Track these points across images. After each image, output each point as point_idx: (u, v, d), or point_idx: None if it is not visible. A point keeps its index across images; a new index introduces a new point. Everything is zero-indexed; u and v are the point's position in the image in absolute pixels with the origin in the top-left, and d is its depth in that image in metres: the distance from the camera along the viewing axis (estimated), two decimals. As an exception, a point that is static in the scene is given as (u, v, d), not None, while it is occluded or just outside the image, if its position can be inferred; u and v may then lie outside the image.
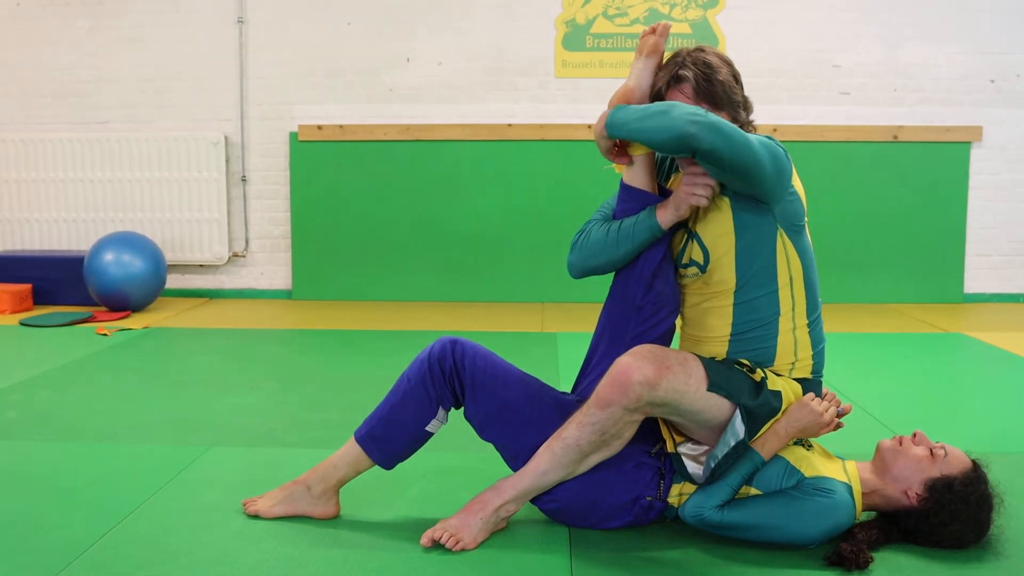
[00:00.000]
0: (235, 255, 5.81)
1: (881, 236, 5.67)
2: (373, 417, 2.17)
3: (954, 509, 2.00)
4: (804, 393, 2.12)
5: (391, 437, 2.14)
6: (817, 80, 5.61)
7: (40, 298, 5.39)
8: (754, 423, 2.02)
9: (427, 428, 2.14)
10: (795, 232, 2.14)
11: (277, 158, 5.75)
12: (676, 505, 2.10)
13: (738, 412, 2.00)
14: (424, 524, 2.15)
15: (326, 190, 5.67)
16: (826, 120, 5.62)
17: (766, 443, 2.03)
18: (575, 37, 5.63)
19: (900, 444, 2.08)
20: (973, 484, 2.02)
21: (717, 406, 2.00)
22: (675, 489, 2.10)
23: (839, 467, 2.10)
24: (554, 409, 2.14)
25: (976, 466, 2.06)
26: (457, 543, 2.03)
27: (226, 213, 5.71)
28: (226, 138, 5.68)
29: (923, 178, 5.64)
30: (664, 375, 1.93)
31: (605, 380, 1.97)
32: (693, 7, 5.59)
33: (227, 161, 5.70)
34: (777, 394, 2.07)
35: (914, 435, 2.11)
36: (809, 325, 2.17)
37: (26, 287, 5.25)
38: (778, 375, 2.12)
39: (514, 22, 5.64)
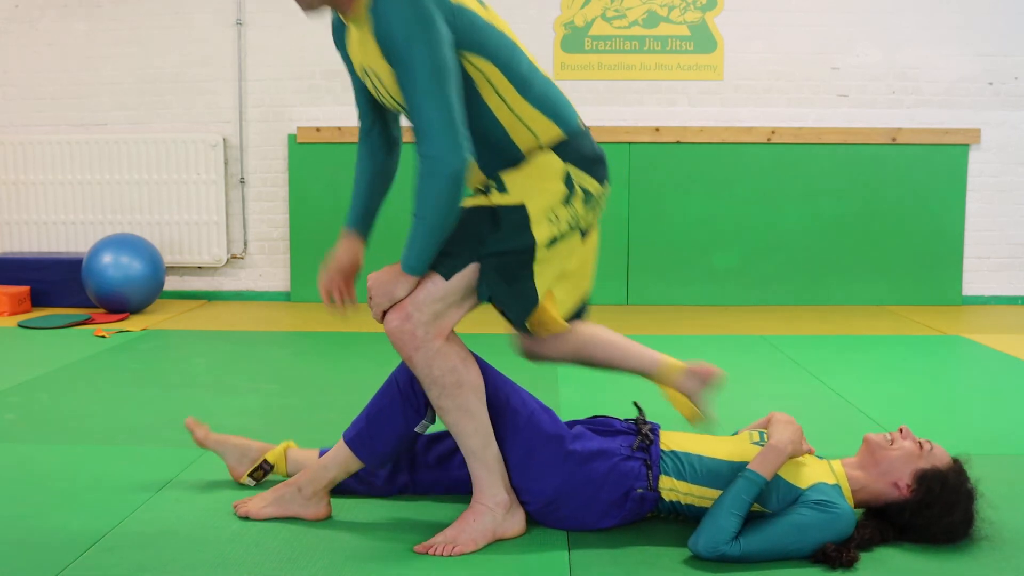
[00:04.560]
0: (233, 257, 5.81)
1: (879, 238, 5.67)
2: (361, 419, 2.17)
3: (948, 500, 2.02)
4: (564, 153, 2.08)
5: (379, 438, 2.14)
6: (816, 82, 5.62)
7: (38, 300, 5.39)
8: (510, 268, 2.02)
9: (415, 429, 2.15)
10: (473, 42, 2.01)
11: (276, 160, 5.75)
12: (668, 499, 2.11)
13: (480, 271, 2.00)
14: (419, 525, 2.16)
15: (324, 192, 5.67)
16: (824, 122, 5.63)
17: (767, 463, 2.02)
18: (574, 39, 5.64)
19: (891, 443, 2.11)
20: (962, 476, 2.06)
21: (465, 276, 2.01)
22: (666, 482, 2.10)
23: (826, 468, 2.11)
24: (540, 410, 2.16)
25: (958, 461, 2.10)
26: (454, 547, 2.03)
27: (224, 215, 5.71)
28: (225, 140, 5.69)
29: (921, 180, 5.64)
30: (413, 307, 1.98)
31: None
32: (692, 9, 5.59)
33: (226, 163, 5.70)
34: (521, 218, 2.01)
35: (900, 430, 2.13)
36: (527, 99, 2.07)
37: (24, 289, 5.25)
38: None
39: (512, 24, 5.59)
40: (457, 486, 2.35)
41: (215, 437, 2.44)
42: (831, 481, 2.06)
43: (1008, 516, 2.18)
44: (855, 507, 2.10)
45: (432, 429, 2.22)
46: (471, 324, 4.89)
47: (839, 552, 1.94)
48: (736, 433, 2.27)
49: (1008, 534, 2.10)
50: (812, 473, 2.06)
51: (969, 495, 2.05)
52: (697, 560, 1.99)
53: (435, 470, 2.35)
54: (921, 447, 2.09)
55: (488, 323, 5.01)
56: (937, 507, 2.02)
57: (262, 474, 2.39)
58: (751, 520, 2.03)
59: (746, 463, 2.06)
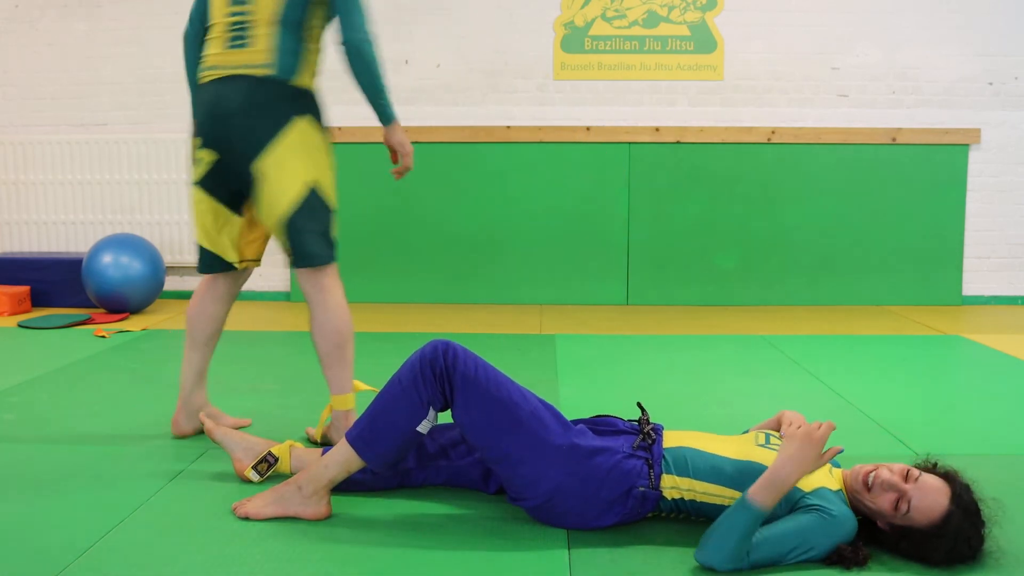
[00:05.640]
0: (234, 257, 5.81)
1: (879, 238, 5.68)
2: (364, 418, 2.18)
3: (923, 549, 1.96)
4: None
5: (382, 437, 2.15)
6: (816, 82, 5.62)
7: (38, 300, 5.39)
8: None
9: (417, 428, 2.15)
10: None
11: (276, 160, 5.74)
12: (670, 498, 2.11)
13: None
14: (419, 524, 2.16)
15: (325, 192, 5.66)
16: (824, 123, 5.63)
17: (768, 494, 1.93)
18: (574, 39, 5.64)
19: (868, 490, 2.01)
20: (940, 532, 1.94)
21: None
22: (668, 480, 2.11)
23: (827, 471, 2.10)
24: (543, 406, 2.16)
25: (950, 511, 1.94)
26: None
27: (225, 215, 5.71)
28: (225, 140, 5.68)
29: (921, 180, 5.65)
30: None
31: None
32: (692, 9, 5.59)
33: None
34: None
35: (880, 474, 2.00)
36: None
37: (24, 289, 5.25)
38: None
39: (513, 24, 5.64)
40: (460, 475, 2.36)
41: (223, 430, 2.47)
42: (834, 486, 2.05)
43: (1011, 517, 2.18)
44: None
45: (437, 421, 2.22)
46: (472, 324, 4.90)
47: (855, 552, 1.94)
48: (745, 432, 2.27)
49: (1012, 535, 2.09)
50: (816, 476, 2.05)
51: (953, 542, 1.93)
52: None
53: (439, 458, 2.38)
54: (897, 509, 1.96)
55: (488, 324, 5.02)
56: (919, 550, 1.97)
57: (266, 467, 2.40)
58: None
59: (749, 463, 2.07)
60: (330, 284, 2.65)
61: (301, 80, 2.58)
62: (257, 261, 2.84)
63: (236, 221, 2.73)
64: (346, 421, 2.70)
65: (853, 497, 2.06)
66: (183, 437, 2.85)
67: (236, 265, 2.76)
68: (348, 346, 2.67)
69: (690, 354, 4.23)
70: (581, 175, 5.66)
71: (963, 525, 1.94)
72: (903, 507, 1.96)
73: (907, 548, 1.98)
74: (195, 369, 2.87)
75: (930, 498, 1.96)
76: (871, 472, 2.02)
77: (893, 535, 2.00)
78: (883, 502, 1.99)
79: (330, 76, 5.66)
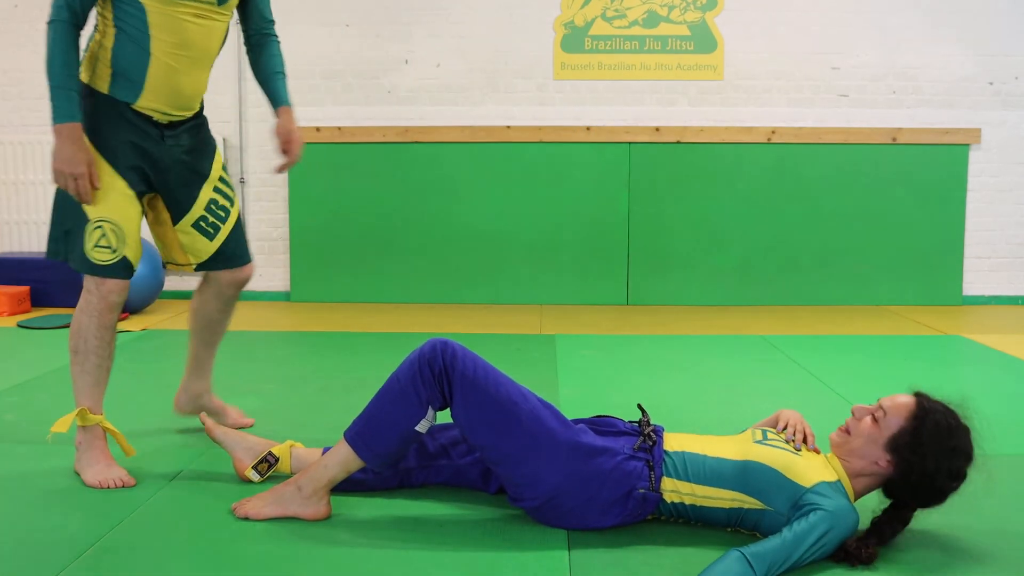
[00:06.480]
0: (233, 257, 5.81)
1: (880, 238, 5.68)
2: (362, 417, 2.18)
3: (931, 451, 2.01)
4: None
5: (380, 436, 2.15)
6: (816, 82, 5.62)
7: (38, 300, 5.39)
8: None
9: (416, 428, 2.15)
10: None
11: (275, 160, 5.75)
12: (670, 501, 2.11)
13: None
14: (419, 524, 2.16)
15: (324, 192, 5.67)
16: (825, 122, 5.63)
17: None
18: (574, 39, 5.64)
19: (848, 432, 2.11)
20: (926, 421, 2.05)
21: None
22: (668, 483, 2.10)
23: (825, 463, 2.10)
24: (542, 406, 2.16)
25: (919, 405, 2.09)
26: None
27: (224, 215, 5.70)
28: (224, 140, 5.69)
29: (922, 180, 5.65)
30: None
31: None
32: (692, 9, 5.59)
33: (226, 163, 5.69)
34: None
35: (852, 411, 2.14)
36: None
37: (24, 289, 5.25)
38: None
39: (513, 24, 5.64)
40: (460, 475, 2.36)
41: (222, 429, 2.48)
42: (832, 478, 2.05)
43: (1013, 516, 2.18)
44: (861, 495, 2.10)
45: (436, 421, 2.22)
46: (472, 324, 4.90)
47: (859, 549, 1.94)
48: (742, 432, 2.27)
49: (1013, 536, 2.09)
50: (814, 471, 2.05)
51: (946, 432, 2.04)
52: (700, 562, 1.98)
53: (439, 458, 2.38)
54: (876, 421, 2.08)
55: (488, 324, 5.03)
56: (927, 461, 2.00)
57: (266, 467, 2.41)
58: (760, 523, 2.04)
59: (748, 462, 2.07)
60: (86, 288, 2.53)
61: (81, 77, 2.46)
62: (188, 265, 2.72)
63: (164, 220, 2.71)
64: (79, 437, 2.50)
65: (848, 459, 2.09)
66: (182, 414, 2.92)
67: (167, 265, 2.80)
68: (80, 357, 2.50)
69: (690, 354, 4.23)
70: (581, 175, 5.66)
71: (936, 411, 2.08)
72: (880, 414, 2.08)
73: (919, 470, 2.01)
74: (192, 355, 2.91)
75: (898, 399, 2.13)
76: (842, 426, 2.14)
77: (901, 471, 2.03)
78: (864, 427, 2.08)
79: (327, 76, 5.67)
